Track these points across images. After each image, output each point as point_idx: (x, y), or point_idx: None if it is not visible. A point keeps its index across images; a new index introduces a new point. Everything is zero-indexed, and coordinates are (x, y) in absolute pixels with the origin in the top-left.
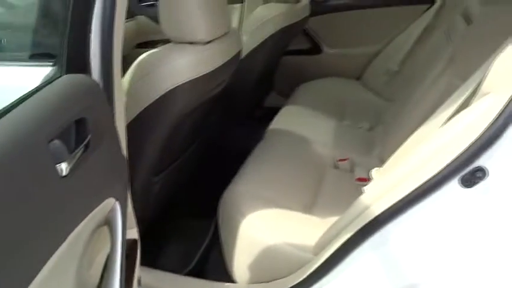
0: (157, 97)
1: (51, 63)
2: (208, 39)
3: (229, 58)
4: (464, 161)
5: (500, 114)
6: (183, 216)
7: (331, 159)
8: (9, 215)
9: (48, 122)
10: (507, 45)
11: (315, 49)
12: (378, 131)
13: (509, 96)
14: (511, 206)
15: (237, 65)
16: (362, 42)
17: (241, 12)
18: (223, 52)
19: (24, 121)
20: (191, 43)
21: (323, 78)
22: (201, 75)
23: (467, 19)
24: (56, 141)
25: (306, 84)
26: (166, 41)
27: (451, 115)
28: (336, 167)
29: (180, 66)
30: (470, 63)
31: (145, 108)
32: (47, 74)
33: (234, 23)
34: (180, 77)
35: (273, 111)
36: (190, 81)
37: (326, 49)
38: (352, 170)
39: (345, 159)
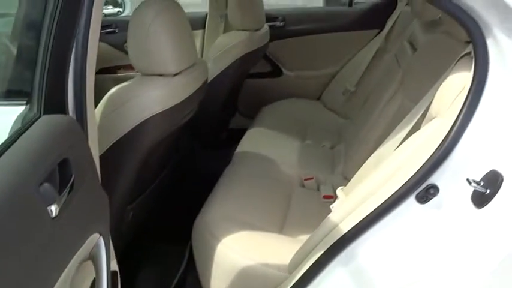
0: (128, 130)
1: (23, 102)
2: (178, 71)
3: (197, 88)
4: (419, 179)
5: (446, 136)
6: (157, 243)
7: (297, 179)
8: (7, 259)
9: (37, 166)
10: (448, 74)
11: (276, 72)
12: (339, 149)
13: (453, 119)
14: (461, 217)
15: (205, 91)
16: (319, 65)
17: (203, 38)
18: (192, 82)
19: (14, 167)
20: (160, 75)
21: (285, 100)
22: (171, 106)
23: (413, 45)
24: (46, 184)
25: (269, 106)
26: (127, 67)
27: (404, 137)
28: (303, 185)
29: (150, 99)
30: (418, 87)
31: (116, 141)
32: (21, 113)
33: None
34: (150, 109)
35: (239, 133)
36: (161, 113)
37: (286, 72)
38: (318, 188)
39: (310, 178)
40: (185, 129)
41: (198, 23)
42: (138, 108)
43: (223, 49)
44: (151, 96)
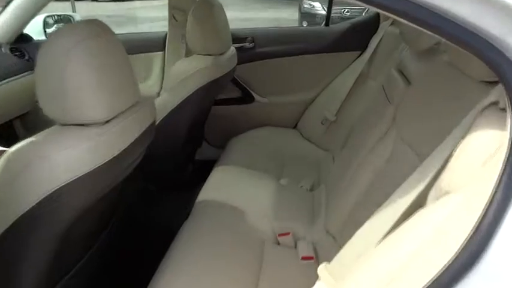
0: (38, 201)
1: None
2: (110, 117)
3: (141, 132)
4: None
5: (477, 229)
6: None
7: (271, 234)
8: None
9: None
10: (463, 132)
11: (246, 98)
12: (320, 192)
13: (481, 201)
14: None
15: (153, 134)
16: (295, 90)
17: (163, 62)
18: (133, 127)
19: None
20: (85, 125)
21: (257, 129)
22: (103, 162)
23: (405, 75)
24: None
25: (239, 137)
26: None
27: (404, 210)
28: (277, 242)
29: (70, 158)
30: (415, 129)
31: (21, 216)
32: None
33: (156, 72)
34: (70, 172)
35: (206, 165)
36: (88, 173)
37: (258, 97)
38: (295, 245)
39: (286, 234)
40: (137, 173)
41: (158, 43)
42: (54, 171)
43: (181, 78)
44: (72, 155)
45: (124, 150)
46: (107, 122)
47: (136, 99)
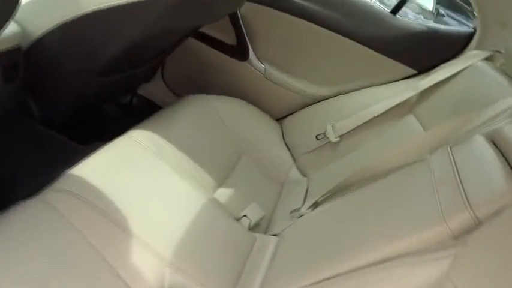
0: None
1: None
2: None
3: None
4: None
5: None
6: None
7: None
8: None
9: None
10: None
11: (239, 51)
12: (267, 239)
13: None
14: None
15: None
16: (305, 74)
17: None
18: None
19: None
20: None
21: (228, 97)
22: None
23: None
24: None
25: (199, 97)
26: None
27: None
28: None
29: None
30: None
31: None
32: None
33: None
34: None
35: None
36: None
37: (253, 59)
38: None
39: None
40: None
41: None
42: None
43: None
44: None
45: None
46: None
47: None
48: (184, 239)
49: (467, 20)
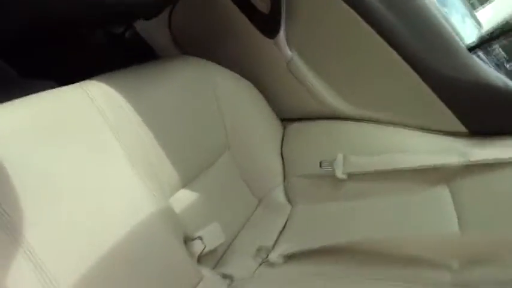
0: None
1: None
2: None
3: None
4: None
5: None
6: None
7: None
8: None
9: None
10: None
11: (270, 23)
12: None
13: None
14: None
15: None
16: (336, 80)
17: None
18: None
19: None
20: None
21: (235, 75)
22: None
23: None
24: None
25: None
26: None
27: None
28: None
29: None
30: None
31: None
32: None
33: None
34: None
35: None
36: None
37: (282, 40)
38: None
39: None
40: None
41: None
42: None
43: None
44: None
45: None
46: None
47: None
48: (98, 263)
49: None
